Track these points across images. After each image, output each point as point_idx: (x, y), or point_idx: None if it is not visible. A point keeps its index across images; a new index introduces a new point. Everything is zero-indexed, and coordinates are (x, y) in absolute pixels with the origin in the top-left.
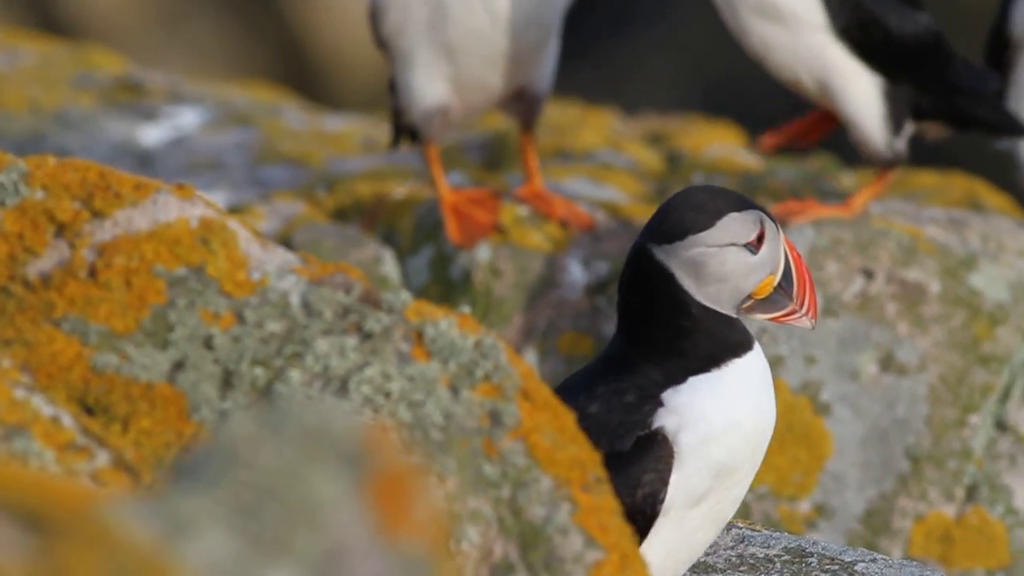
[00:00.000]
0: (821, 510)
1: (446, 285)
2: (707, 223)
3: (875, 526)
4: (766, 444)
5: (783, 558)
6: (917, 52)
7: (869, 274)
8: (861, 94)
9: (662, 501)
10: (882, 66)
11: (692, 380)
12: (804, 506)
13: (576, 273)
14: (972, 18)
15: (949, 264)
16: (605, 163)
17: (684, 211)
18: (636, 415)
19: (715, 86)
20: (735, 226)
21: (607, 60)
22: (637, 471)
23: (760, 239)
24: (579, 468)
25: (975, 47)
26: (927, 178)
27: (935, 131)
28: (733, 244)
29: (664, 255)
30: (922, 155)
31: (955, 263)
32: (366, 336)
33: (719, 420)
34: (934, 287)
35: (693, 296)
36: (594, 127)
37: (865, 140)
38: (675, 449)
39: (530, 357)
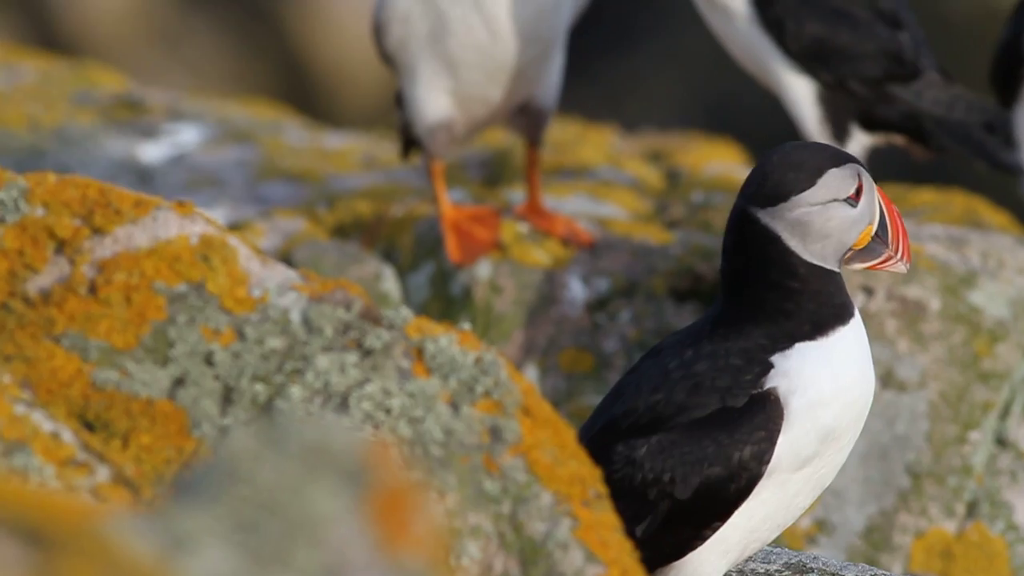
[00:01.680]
0: (822, 526)
1: (446, 302)
2: (809, 182)
3: (875, 542)
4: (867, 412)
5: (783, 574)
6: (846, 61)
7: (869, 291)
8: (798, 92)
9: (768, 461)
10: (807, 68)
11: (799, 346)
12: (805, 522)
13: (576, 290)
14: (962, 36)
15: (949, 281)
16: (605, 180)
17: (785, 171)
18: (747, 375)
19: (715, 104)
20: (835, 182)
21: (607, 77)
22: (748, 428)
23: (859, 192)
24: (579, 484)
25: (969, 63)
26: (927, 195)
27: (917, 152)
28: (835, 200)
29: (769, 218)
30: (921, 173)
31: (955, 280)
32: (366, 352)
33: (828, 386)
34: (934, 304)
35: (800, 256)
36: (594, 144)
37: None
38: (785, 411)
39: (530, 373)
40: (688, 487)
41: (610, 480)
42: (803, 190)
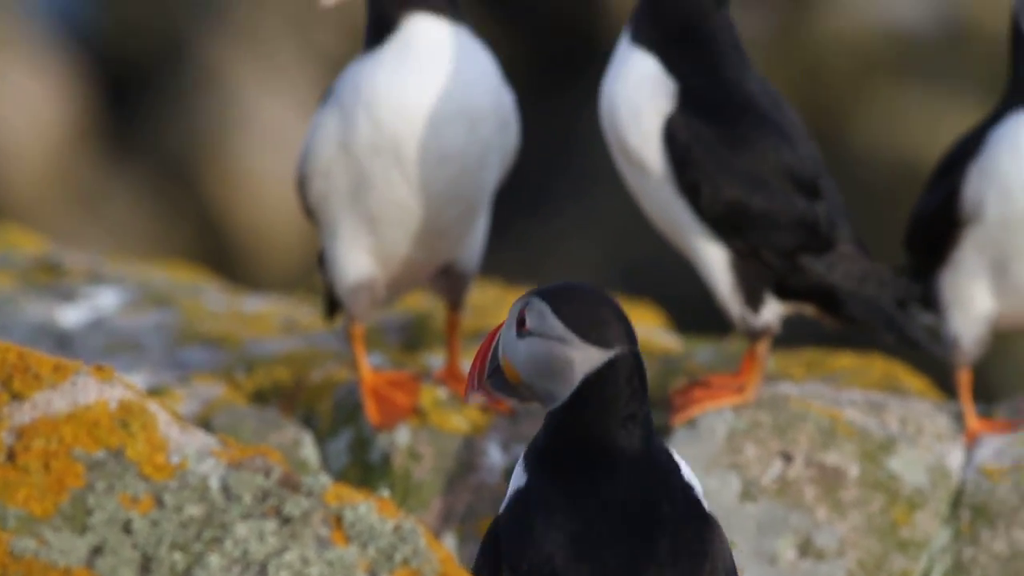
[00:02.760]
0: None
1: (365, 468)
2: None
3: None
4: None
5: None
6: (760, 230)
7: (788, 457)
8: (710, 257)
9: None
10: (721, 234)
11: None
12: None
13: (495, 457)
14: (871, 196)
15: (868, 448)
16: None
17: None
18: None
19: (633, 267)
20: None
21: (526, 240)
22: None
23: None
24: None
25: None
26: (846, 360)
27: (828, 322)
28: None
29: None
30: (840, 337)
31: (874, 447)
32: (285, 520)
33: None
34: (853, 471)
35: None
36: None
37: (722, 309)
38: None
39: (449, 542)
40: None
41: None
42: None
